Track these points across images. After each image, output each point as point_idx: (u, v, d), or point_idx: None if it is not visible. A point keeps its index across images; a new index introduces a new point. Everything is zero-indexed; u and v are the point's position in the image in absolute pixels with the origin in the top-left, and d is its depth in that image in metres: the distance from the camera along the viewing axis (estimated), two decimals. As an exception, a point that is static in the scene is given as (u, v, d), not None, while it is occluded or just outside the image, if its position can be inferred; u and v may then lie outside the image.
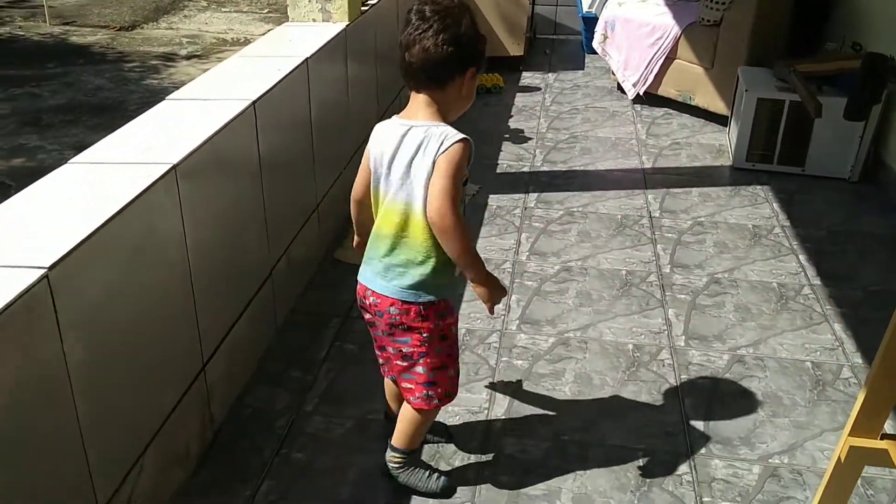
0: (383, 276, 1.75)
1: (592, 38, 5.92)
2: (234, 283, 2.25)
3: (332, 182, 3.14)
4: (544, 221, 3.37)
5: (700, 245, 3.20)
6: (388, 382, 2.03)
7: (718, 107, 4.48)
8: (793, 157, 3.85)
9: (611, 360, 2.46)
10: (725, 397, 2.30)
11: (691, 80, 4.59)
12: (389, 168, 1.70)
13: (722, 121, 4.51)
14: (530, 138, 4.35)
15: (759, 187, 3.75)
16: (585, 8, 5.98)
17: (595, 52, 5.84)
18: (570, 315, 2.70)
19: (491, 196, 3.59)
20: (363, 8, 3.51)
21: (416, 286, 1.72)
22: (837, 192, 3.72)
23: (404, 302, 1.73)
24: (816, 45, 4.85)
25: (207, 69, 2.87)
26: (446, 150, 1.64)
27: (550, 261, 3.05)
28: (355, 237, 1.96)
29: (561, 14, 6.57)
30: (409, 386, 1.82)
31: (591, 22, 5.91)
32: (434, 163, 1.64)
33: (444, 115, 1.71)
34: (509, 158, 4.06)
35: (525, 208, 3.49)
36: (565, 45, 6.36)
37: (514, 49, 5.50)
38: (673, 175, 3.89)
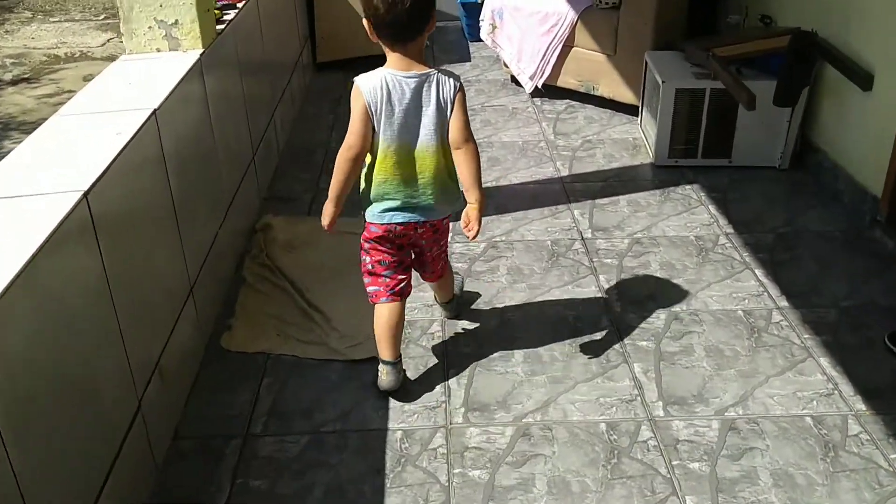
0: (433, 207, 2.09)
1: (474, 25, 5.47)
2: (86, 449, 1.65)
3: (207, 247, 2.54)
4: (467, 259, 2.89)
5: (645, 269, 2.80)
6: (392, 320, 2.18)
7: (625, 96, 4.12)
8: (718, 148, 3.53)
9: (585, 451, 2.02)
10: (728, 483, 1.90)
11: (593, 68, 4.20)
12: (406, 117, 1.98)
13: (630, 110, 4.16)
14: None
15: (688, 187, 3.41)
16: (464, -7, 5.50)
17: (479, 40, 5.39)
18: (524, 390, 2.23)
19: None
20: (219, 27, 2.89)
21: (452, 200, 2.14)
22: (770, 182, 3.42)
23: (447, 216, 2.19)
24: (715, 18, 4.58)
25: (39, 94, 2.22)
26: (458, 89, 2.01)
27: (485, 314, 2.58)
28: (332, 206, 2.09)
29: None
30: (441, 264, 2.31)
31: (470, 8, 5.45)
32: (453, 102, 2.00)
33: (423, 57, 2.00)
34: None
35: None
36: (444, 33, 5.85)
37: (393, 46, 4.97)
38: (594, 182, 3.49)
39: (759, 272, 2.76)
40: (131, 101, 2.20)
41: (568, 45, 4.24)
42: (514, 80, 4.66)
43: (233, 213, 2.87)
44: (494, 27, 4.60)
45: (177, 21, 2.61)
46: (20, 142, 2.11)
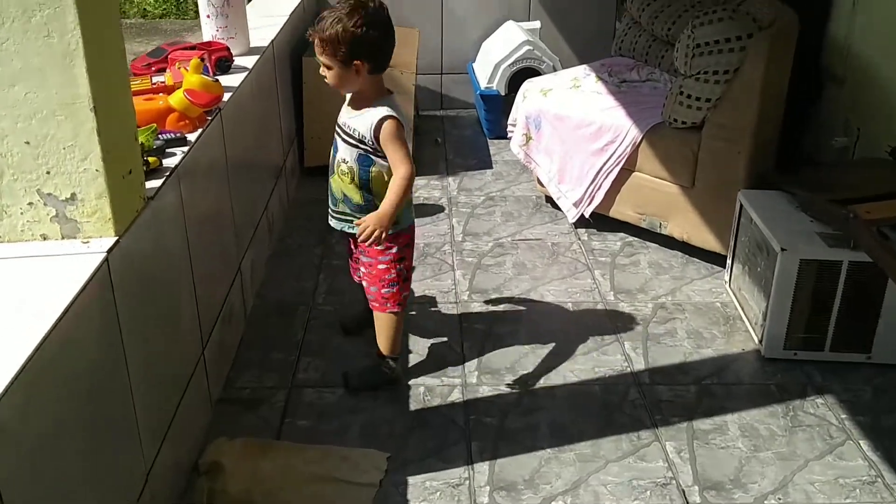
0: None
1: (494, 120, 4.56)
2: None
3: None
4: (518, 549, 1.88)
5: (799, 581, 1.80)
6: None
7: (705, 240, 3.16)
8: (853, 339, 2.55)
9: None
10: None
11: (660, 201, 3.25)
12: None
13: (709, 257, 3.20)
14: (449, 316, 2.85)
15: (819, 401, 2.42)
16: (483, 84, 4.57)
17: (501, 137, 4.50)
18: None
19: (413, 476, 2.06)
20: (154, 184, 1.90)
21: None
22: (932, 395, 2.45)
23: None
24: (808, 137, 3.67)
25: None
26: None
27: None
28: (391, 221, 2.21)
29: (447, 84, 5.15)
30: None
31: (491, 101, 4.53)
32: None
33: None
34: (425, 373, 2.54)
35: (473, 499, 2.00)
36: (458, 124, 4.92)
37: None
38: (685, 384, 2.50)
39: None
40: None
41: (627, 168, 3.30)
42: (549, 199, 3.71)
43: (166, 451, 1.86)
44: (529, 138, 3.65)
45: (73, 195, 1.63)
46: None
